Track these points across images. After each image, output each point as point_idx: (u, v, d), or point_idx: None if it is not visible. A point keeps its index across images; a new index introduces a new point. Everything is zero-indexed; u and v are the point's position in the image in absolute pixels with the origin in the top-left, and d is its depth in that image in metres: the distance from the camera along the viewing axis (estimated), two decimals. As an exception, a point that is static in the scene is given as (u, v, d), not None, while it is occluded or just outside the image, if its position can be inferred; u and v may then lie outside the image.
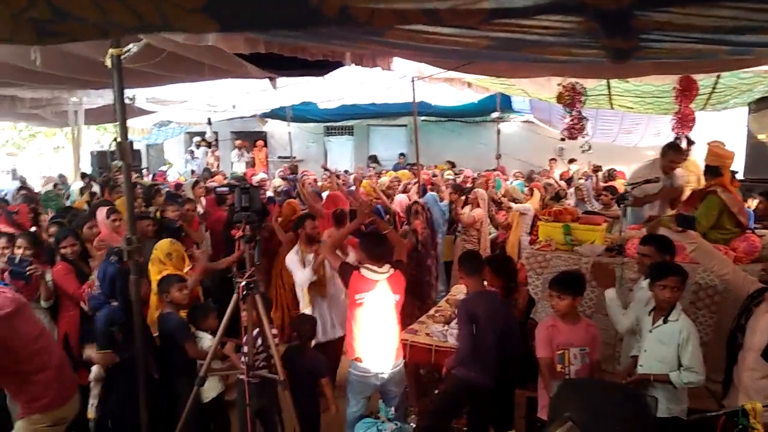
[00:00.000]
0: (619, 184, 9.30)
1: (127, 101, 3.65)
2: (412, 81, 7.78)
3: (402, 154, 16.53)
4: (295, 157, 15.14)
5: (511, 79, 7.44)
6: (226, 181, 10.93)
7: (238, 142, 17.83)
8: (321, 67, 5.09)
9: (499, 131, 13.47)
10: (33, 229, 5.76)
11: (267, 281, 5.81)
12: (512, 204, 7.96)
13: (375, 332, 3.76)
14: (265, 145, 17.94)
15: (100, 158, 12.49)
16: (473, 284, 3.86)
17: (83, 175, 9.91)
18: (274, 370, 3.59)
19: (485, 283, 4.04)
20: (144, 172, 14.08)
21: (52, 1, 1.13)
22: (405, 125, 16.81)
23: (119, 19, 1.27)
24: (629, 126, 10.91)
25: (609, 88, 7.66)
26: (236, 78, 6.42)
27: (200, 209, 7.41)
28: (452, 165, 14.23)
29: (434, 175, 10.47)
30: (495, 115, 12.85)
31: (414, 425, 4.01)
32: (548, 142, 14.53)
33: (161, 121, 13.80)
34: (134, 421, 3.58)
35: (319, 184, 9.70)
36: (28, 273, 4.09)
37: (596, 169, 11.37)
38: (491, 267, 4.12)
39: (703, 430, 2.73)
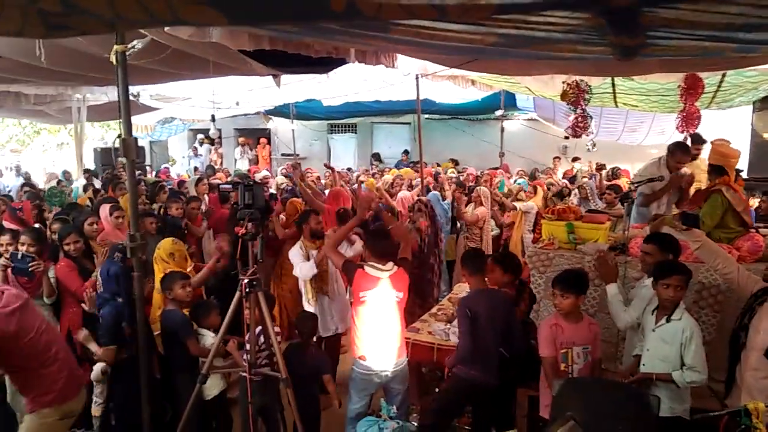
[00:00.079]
0: (623, 183, 9.29)
1: (131, 98, 3.64)
2: (416, 78, 7.77)
3: (405, 152, 16.52)
4: (298, 155, 15.14)
5: (516, 77, 7.43)
6: (229, 179, 10.93)
7: (241, 139, 17.86)
8: (325, 64, 5.09)
9: (502, 129, 13.45)
10: (37, 225, 5.77)
11: (268, 279, 5.81)
12: (516, 204, 7.95)
13: (379, 330, 3.75)
14: (269, 143, 17.96)
15: (104, 155, 12.52)
16: (476, 282, 3.85)
17: (85, 171, 9.94)
18: (276, 368, 3.58)
19: (492, 280, 4.04)
20: (147, 169, 14.11)
21: (63, -7, 1.14)
22: (408, 123, 16.81)
23: (129, 12, 1.27)
24: (633, 124, 10.89)
25: (614, 86, 7.64)
26: (240, 75, 6.44)
27: (203, 206, 7.42)
28: (456, 163, 14.22)
29: (437, 174, 10.46)
30: (499, 113, 12.82)
31: (416, 424, 4.00)
32: (552, 140, 14.51)
33: (165, 118, 13.83)
34: (138, 418, 3.59)
35: (323, 182, 9.71)
36: (30, 269, 4.10)
37: (600, 167, 11.35)
38: (500, 264, 4.11)
39: (705, 430, 2.73)
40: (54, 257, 4.63)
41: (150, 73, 5.38)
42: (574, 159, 13.12)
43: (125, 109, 3.34)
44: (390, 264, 3.78)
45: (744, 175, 7.01)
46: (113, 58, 3.29)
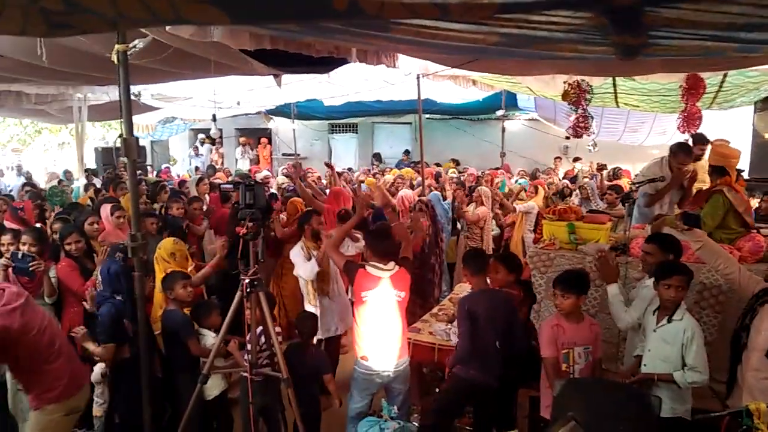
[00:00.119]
0: (624, 183, 9.28)
1: (132, 97, 3.64)
2: (417, 78, 7.77)
3: (406, 152, 16.52)
4: (299, 155, 15.14)
5: (517, 77, 7.43)
6: (230, 178, 10.93)
7: (242, 139, 17.86)
8: (326, 64, 5.09)
9: (503, 129, 13.44)
10: (38, 225, 5.77)
11: (269, 279, 5.80)
12: (516, 206, 7.94)
13: (381, 330, 3.75)
14: (270, 143, 17.97)
15: (105, 155, 12.53)
16: (477, 282, 3.85)
17: (86, 171, 9.94)
18: (277, 368, 3.58)
19: (496, 280, 4.04)
20: (149, 168, 14.11)
21: (65, -9, 1.14)
22: (410, 123, 16.81)
23: (131, 11, 1.27)
24: (635, 124, 10.88)
25: (615, 86, 7.64)
26: (241, 75, 6.43)
27: (204, 206, 7.41)
28: (456, 163, 14.22)
29: (438, 174, 10.46)
30: (500, 113, 12.82)
31: (417, 424, 4.00)
32: (553, 140, 14.51)
33: (166, 118, 13.83)
34: (141, 417, 3.59)
35: (324, 181, 9.71)
36: (31, 269, 4.10)
37: (601, 167, 11.35)
38: (504, 263, 4.11)
39: (707, 431, 2.72)
40: (55, 257, 4.63)
41: (151, 72, 5.37)
42: (575, 159, 13.12)
43: (126, 108, 3.34)
44: (391, 263, 3.78)
45: (745, 175, 7.02)
46: (114, 58, 3.30)
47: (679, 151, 5.34)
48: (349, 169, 13.50)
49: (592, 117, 7.37)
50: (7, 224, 5.33)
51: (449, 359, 3.94)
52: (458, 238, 7.69)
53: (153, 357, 3.81)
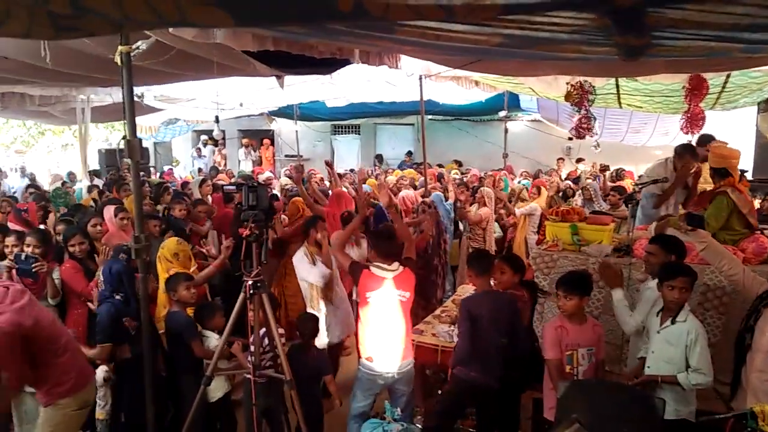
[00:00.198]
0: (627, 184, 9.27)
1: (135, 99, 3.65)
2: (420, 79, 7.77)
3: (409, 153, 16.52)
4: (301, 156, 15.16)
5: (519, 78, 7.43)
6: (232, 180, 10.95)
7: (245, 140, 17.88)
8: (328, 65, 5.10)
9: (506, 130, 13.43)
10: (42, 226, 5.79)
11: (272, 280, 5.80)
12: (517, 210, 7.94)
13: (386, 330, 3.75)
14: (272, 144, 17.99)
15: (108, 156, 12.56)
16: (481, 284, 3.84)
17: (89, 172, 9.97)
18: (280, 370, 3.58)
19: (501, 281, 4.04)
20: (152, 170, 14.13)
21: (72, -5, 1.14)
22: (412, 124, 16.82)
23: (137, 14, 1.28)
24: (638, 125, 10.87)
25: (617, 87, 7.63)
26: (244, 76, 6.45)
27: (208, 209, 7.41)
28: (459, 164, 14.22)
29: (440, 175, 10.46)
30: (502, 113, 12.82)
31: (420, 426, 4.00)
32: (556, 141, 14.51)
33: (169, 119, 13.85)
34: (145, 418, 3.60)
35: (327, 183, 9.71)
36: (34, 270, 4.11)
37: (604, 168, 11.34)
38: (509, 263, 4.11)
39: (711, 432, 2.72)
40: (59, 259, 4.64)
41: (154, 74, 5.38)
42: (578, 160, 13.11)
43: (130, 110, 3.35)
44: (395, 264, 3.78)
45: (749, 176, 7.00)
46: (118, 59, 3.31)
47: (684, 152, 5.32)
48: (351, 170, 13.51)
49: (594, 118, 7.37)
50: (11, 226, 5.34)
51: (450, 360, 3.94)
52: (461, 240, 7.68)
53: (156, 355, 3.82)
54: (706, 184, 5.64)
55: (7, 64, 4.80)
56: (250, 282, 3.43)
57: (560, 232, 4.82)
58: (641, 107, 8.73)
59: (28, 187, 9.45)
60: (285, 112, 14.22)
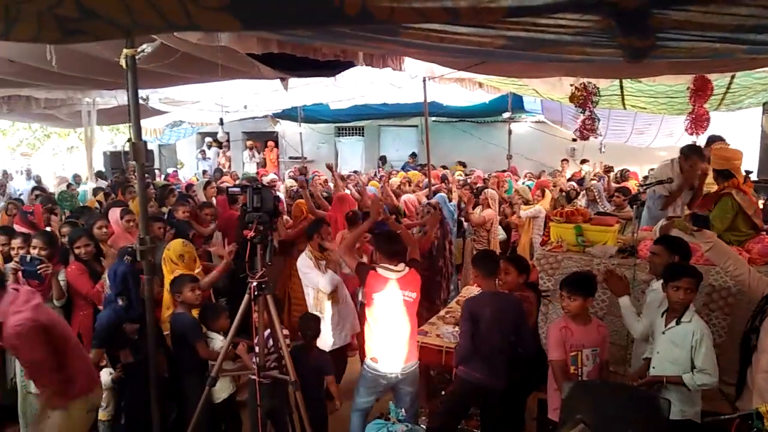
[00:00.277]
0: (632, 185, 9.25)
1: (140, 101, 3.66)
2: (423, 81, 7.78)
3: (413, 155, 16.53)
4: (305, 158, 15.19)
5: (523, 79, 7.42)
6: (237, 182, 10.97)
7: (249, 142, 17.93)
8: (332, 67, 5.11)
9: (510, 131, 13.44)
10: (48, 229, 5.81)
11: (277, 280, 5.80)
12: (522, 213, 7.93)
13: (392, 331, 3.76)
14: (276, 146, 18.02)
15: (114, 159, 12.60)
16: (486, 285, 3.84)
17: (97, 173, 10.01)
18: (285, 371, 3.59)
19: (506, 282, 4.04)
20: (156, 172, 14.17)
21: (81, 0, 1.15)
22: (416, 125, 16.82)
23: (145, 18, 1.29)
24: (642, 126, 10.85)
25: (622, 88, 7.62)
26: (249, 78, 6.46)
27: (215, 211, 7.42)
28: (463, 166, 14.23)
29: (444, 176, 10.46)
30: (506, 115, 12.82)
31: (424, 426, 4.00)
32: (560, 142, 14.50)
33: (174, 122, 13.88)
34: (147, 418, 3.61)
35: (331, 185, 9.73)
36: (39, 272, 4.13)
37: (608, 169, 11.33)
38: (514, 263, 4.11)
39: (716, 433, 2.72)
40: (64, 260, 4.66)
41: (159, 76, 5.40)
42: (583, 161, 13.09)
43: (135, 112, 3.36)
44: (401, 265, 3.80)
45: (754, 176, 6.97)
46: (123, 62, 3.32)
47: (691, 153, 5.29)
48: (355, 172, 13.52)
49: (598, 119, 7.36)
50: (17, 228, 5.36)
51: (453, 359, 3.94)
52: (464, 240, 7.69)
53: (159, 358, 3.83)
54: (710, 185, 5.64)
55: (13, 67, 4.83)
56: (254, 283, 3.44)
57: (565, 233, 4.82)
58: (645, 108, 8.71)
59: (33, 189, 9.48)
60: (289, 114, 14.25)
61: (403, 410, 3.47)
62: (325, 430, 4.09)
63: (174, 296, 4.04)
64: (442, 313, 5.18)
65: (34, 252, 4.30)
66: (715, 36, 2.38)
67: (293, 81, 6.50)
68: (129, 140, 3.35)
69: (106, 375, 3.88)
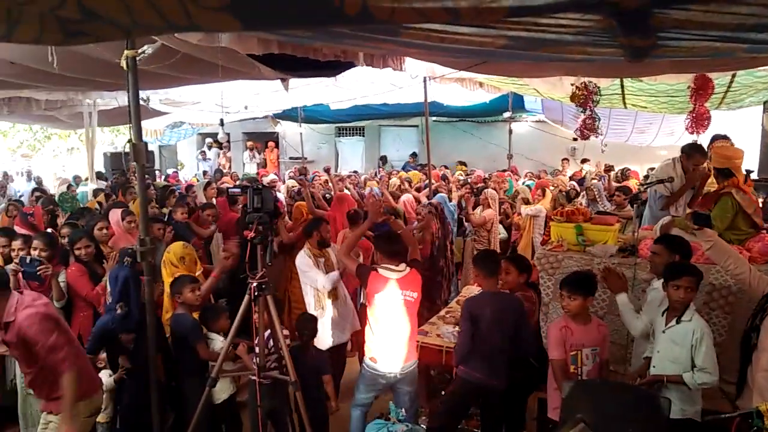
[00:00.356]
0: (633, 184, 9.25)
1: (141, 102, 3.67)
2: (424, 81, 7.79)
3: (413, 154, 16.54)
4: (306, 158, 15.20)
5: (524, 79, 7.42)
6: (237, 182, 10.97)
7: (249, 143, 17.94)
8: (333, 67, 5.11)
9: (510, 131, 13.44)
10: (49, 230, 5.81)
11: (278, 280, 5.80)
12: (522, 210, 7.94)
13: (392, 331, 3.77)
14: (277, 146, 18.03)
15: (114, 160, 12.60)
16: (487, 284, 3.84)
17: (97, 174, 10.01)
18: (285, 372, 3.59)
19: (507, 281, 4.04)
20: (157, 173, 14.17)
21: (82, 1, 1.15)
22: (416, 125, 16.83)
23: (145, 19, 1.29)
24: (642, 125, 10.84)
25: (622, 87, 7.61)
26: (249, 79, 6.46)
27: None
28: (465, 165, 14.23)
29: (444, 176, 10.46)
30: (507, 114, 12.83)
31: (425, 426, 4.00)
32: (561, 141, 14.50)
33: (174, 123, 13.90)
34: (143, 422, 3.62)
35: (330, 185, 9.74)
36: (39, 273, 4.14)
37: (608, 169, 11.33)
38: (514, 263, 4.11)
39: (717, 432, 2.72)
40: (65, 262, 4.66)
41: (159, 77, 5.41)
42: (583, 161, 13.09)
43: (136, 114, 3.37)
44: (402, 265, 3.80)
45: (754, 175, 6.97)
46: (124, 64, 3.32)
47: (694, 152, 5.27)
48: (355, 172, 13.53)
49: (599, 118, 7.36)
50: (18, 229, 5.36)
51: (453, 359, 3.95)
52: (464, 239, 7.69)
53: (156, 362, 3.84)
54: (710, 185, 5.63)
55: (13, 69, 4.84)
56: (254, 284, 3.44)
57: (565, 233, 4.82)
58: (646, 107, 8.71)
59: (34, 191, 9.49)
60: (289, 115, 14.26)
61: (403, 410, 3.48)
62: (326, 430, 4.09)
63: (174, 297, 4.04)
64: (442, 312, 5.18)
65: (35, 253, 4.30)
66: (716, 35, 2.38)
67: (293, 81, 6.51)
68: (129, 141, 3.36)
69: (106, 377, 3.88)
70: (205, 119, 13.30)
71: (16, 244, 4.53)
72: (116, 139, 16.87)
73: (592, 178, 10.28)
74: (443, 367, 4.64)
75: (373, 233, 5.13)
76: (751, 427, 2.38)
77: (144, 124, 9.65)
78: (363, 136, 18.43)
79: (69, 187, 10.23)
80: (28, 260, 4.20)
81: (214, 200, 7.75)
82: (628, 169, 11.03)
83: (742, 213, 4.43)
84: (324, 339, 4.63)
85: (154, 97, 8.98)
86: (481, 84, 8.58)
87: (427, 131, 8.57)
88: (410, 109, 12.19)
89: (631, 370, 3.92)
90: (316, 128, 17.06)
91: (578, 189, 9.19)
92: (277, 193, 8.88)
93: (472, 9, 1.38)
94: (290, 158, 17.74)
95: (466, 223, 7.73)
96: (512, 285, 4.05)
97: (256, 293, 3.45)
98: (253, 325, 3.58)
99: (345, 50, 4.59)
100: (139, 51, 3.39)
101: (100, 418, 3.95)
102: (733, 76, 6.64)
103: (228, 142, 16.36)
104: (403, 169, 14.04)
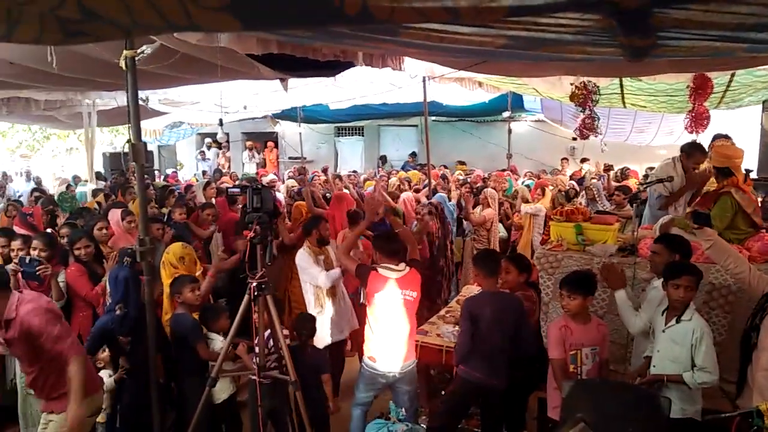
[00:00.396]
0: (632, 184, 9.25)
1: (140, 102, 3.67)
2: (423, 81, 7.79)
3: (413, 154, 16.53)
4: (305, 158, 15.20)
5: (523, 78, 7.42)
6: (236, 182, 10.97)
7: (249, 143, 17.93)
8: (332, 67, 5.11)
9: (510, 131, 13.44)
10: (49, 230, 5.81)
11: (278, 280, 5.80)
12: (522, 209, 7.94)
13: (392, 330, 3.77)
14: (276, 146, 18.02)
15: (113, 160, 12.60)
16: (487, 284, 3.84)
17: (97, 174, 10.01)
18: (285, 371, 3.59)
19: (507, 281, 4.04)
20: (156, 173, 14.17)
21: (82, 1, 1.15)
22: (416, 125, 16.82)
23: (145, 19, 1.29)
24: (642, 125, 10.85)
25: (622, 86, 7.61)
26: (248, 79, 6.46)
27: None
28: (463, 165, 14.24)
29: (444, 175, 10.46)
30: (506, 114, 12.82)
31: (425, 426, 4.01)
32: (560, 141, 14.50)
33: (173, 123, 13.89)
34: (143, 422, 3.62)
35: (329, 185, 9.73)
36: (38, 273, 4.14)
37: (607, 168, 11.33)
38: (514, 262, 4.11)
39: (717, 431, 2.72)
40: (64, 262, 4.65)
41: (158, 77, 5.40)
42: (583, 160, 13.10)
43: (135, 114, 3.36)
44: (402, 264, 3.80)
45: (754, 174, 6.97)
46: (123, 64, 3.32)
47: (694, 151, 5.27)
48: (354, 172, 13.52)
49: (598, 118, 7.35)
50: (17, 230, 5.36)
51: (453, 358, 3.95)
52: (464, 239, 7.69)
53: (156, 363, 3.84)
54: (709, 184, 5.63)
55: (13, 69, 4.83)
56: (254, 284, 3.44)
57: (565, 232, 4.82)
58: (645, 107, 8.71)
59: (33, 191, 9.48)
60: (289, 115, 14.25)
61: (403, 410, 3.48)
62: (326, 430, 4.09)
63: (174, 297, 4.03)
64: (442, 312, 5.18)
65: (34, 253, 4.29)
66: (716, 34, 2.38)
67: (293, 81, 6.50)
68: (128, 141, 3.36)
69: (106, 377, 3.88)
70: (204, 119, 13.29)
71: (16, 244, 4.52)
72: (115, 139, 16.86)
73: (592, 178, 10.28)
74: (443, 366, 4.64)
75: (372, 233, 5.13)
76: (751, 426, 2.38)
77: (143, 124, 9.64)
78: (362, 135, 18.43)
79: (68, 187, 10.23)
80: (27, 260, 4.20)
81: (213, 200, 7.74)
82: (628, 169, 11.04)
83: (742, 212, 4.43)
84: (322, 337, 4.64)
85: (153, 97, 8.97)
86: (480, 84, 8.58)
87: (427, 131, 8.57)
88: (409, 109, 12.19)
89: (631, 370, 3.91)
90: (315, 128, 17.05)
91: (577, 188, 9.19)
92: (277, 193, 8.88)
93: (471, 8, 1.38)
94: (289, 158, 17.74)
95: (465, 223, 7.73)
96: (512, 284, 4.05)
97: (255, 293, 3.45)
98: (253, 324, 3.58)
99: (344, 50, 4.59)
100: (138, 51, 3.39)
101: (100, 418, 3.95)
102: (733, 75, 6.64)
103: (227, 142, 16.31)
104: (403, 168, 14.04)
